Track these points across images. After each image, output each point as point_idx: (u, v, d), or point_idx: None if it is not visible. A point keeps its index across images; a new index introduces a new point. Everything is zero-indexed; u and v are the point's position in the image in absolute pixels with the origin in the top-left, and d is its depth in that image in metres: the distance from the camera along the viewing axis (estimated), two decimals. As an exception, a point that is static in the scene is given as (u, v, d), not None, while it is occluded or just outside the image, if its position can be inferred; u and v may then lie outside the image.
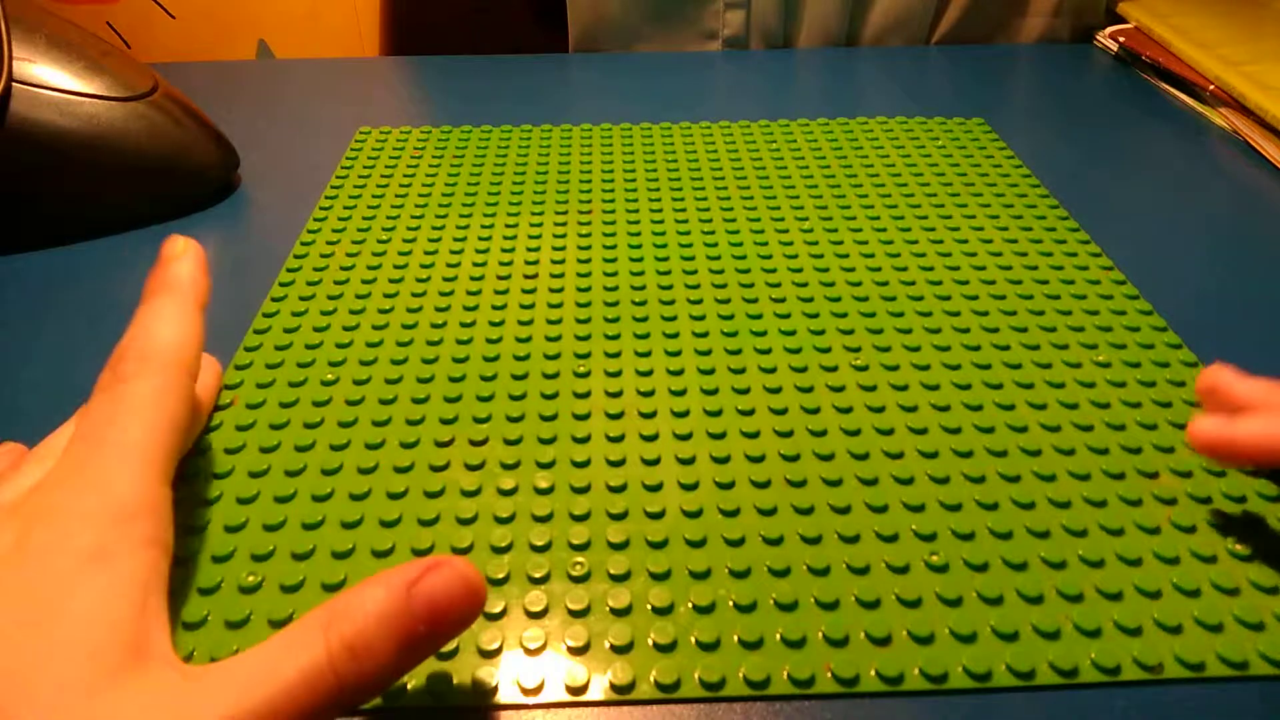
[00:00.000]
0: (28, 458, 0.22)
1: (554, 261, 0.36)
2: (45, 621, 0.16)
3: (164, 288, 0.22)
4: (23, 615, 0.16)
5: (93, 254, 0.37)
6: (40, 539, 0.17)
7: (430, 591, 0.17)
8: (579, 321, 0.32)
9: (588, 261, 0.36)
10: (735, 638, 0.22)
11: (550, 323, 0.32)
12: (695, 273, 0.35)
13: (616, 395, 0.29)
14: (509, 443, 0.27)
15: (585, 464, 0.26)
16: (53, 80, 0.35)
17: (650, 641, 0.22)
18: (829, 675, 0.21)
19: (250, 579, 0.23)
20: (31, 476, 0.20)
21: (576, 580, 0.23)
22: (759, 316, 0.32)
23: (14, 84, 0.34)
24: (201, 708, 0.16)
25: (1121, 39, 0.56)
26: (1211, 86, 0.49)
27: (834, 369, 0.30)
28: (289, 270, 0.35)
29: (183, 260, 0.23)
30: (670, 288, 0.34)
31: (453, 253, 0.36)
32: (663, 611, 0.22)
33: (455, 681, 0.21)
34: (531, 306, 0.33)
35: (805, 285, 0.34)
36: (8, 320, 0.33)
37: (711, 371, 0.30)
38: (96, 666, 0.16)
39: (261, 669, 0.16)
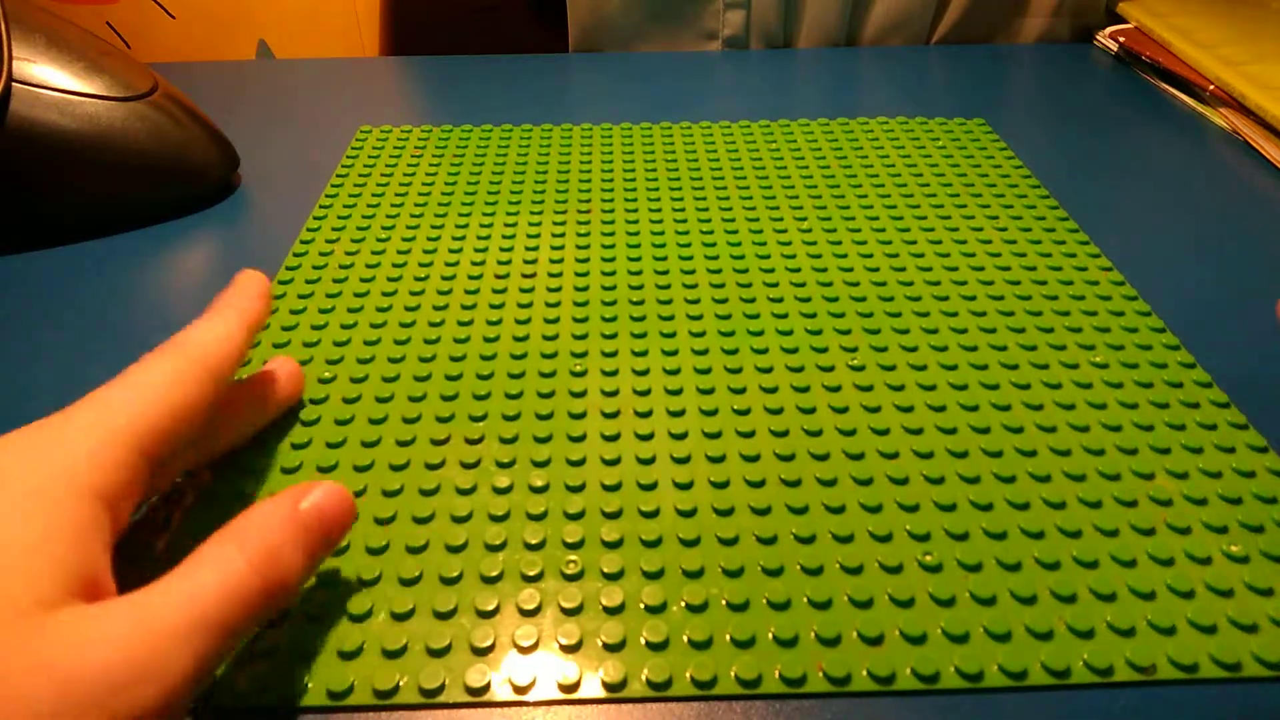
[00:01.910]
0: None
1: (552, 261, 0.36)
2: None
3: (217, 304, 0.24)
4: None
5: (93, 254, 0.37)
6: None
7: (315, 505, 0.20)
8: (576, 321, 0.32)
9: (586, 261, 0.36)
10: (727, 636, 0.22)
11: (548, 321, 0.32)
12: (693, 272, 0.35)
13: (613, 394, 0.29)
14: (505, 441, 0.27)
15: (580, 463, 0.26)
16: (53, 80, 0.35)
17: (643, 640, 0.22)
18: (821, 674, 0.21)
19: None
20: None
21: (570, 578, 0.23)
22: (756, 316, 0.32)
23: (14, 84, 0.34)
24: (152, 628, 0.16)
25: (1121, 39, 0.56)
26: (1211, 86, 0.49)
27: (830, 369, 0.30)
28: (288, 269, 0.35)
29: (245, 285, 0.25)
30: (668, 287, 0.34)
31: (451, 251, 0.36)
32: (655, 610, 0.22)
33: (447, 679, 0.21)
34: (529, 305, 0.33)
35: (803, 285, 0.34)
36: (9, 320, 0.33)
37: (708, 371, 0.30)
38: (37, 593, 0.16)
39: (192, 584, 0.17)
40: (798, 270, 0.35)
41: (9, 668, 0.15)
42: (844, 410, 0.28)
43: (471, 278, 0.35)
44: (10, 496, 0.17)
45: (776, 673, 0.21)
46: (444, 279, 0.35)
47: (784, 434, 0.27)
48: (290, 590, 0.19)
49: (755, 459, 0.26)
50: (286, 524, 0.19)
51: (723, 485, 0.26)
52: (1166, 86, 0.53)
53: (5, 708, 0.15)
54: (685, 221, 0.38)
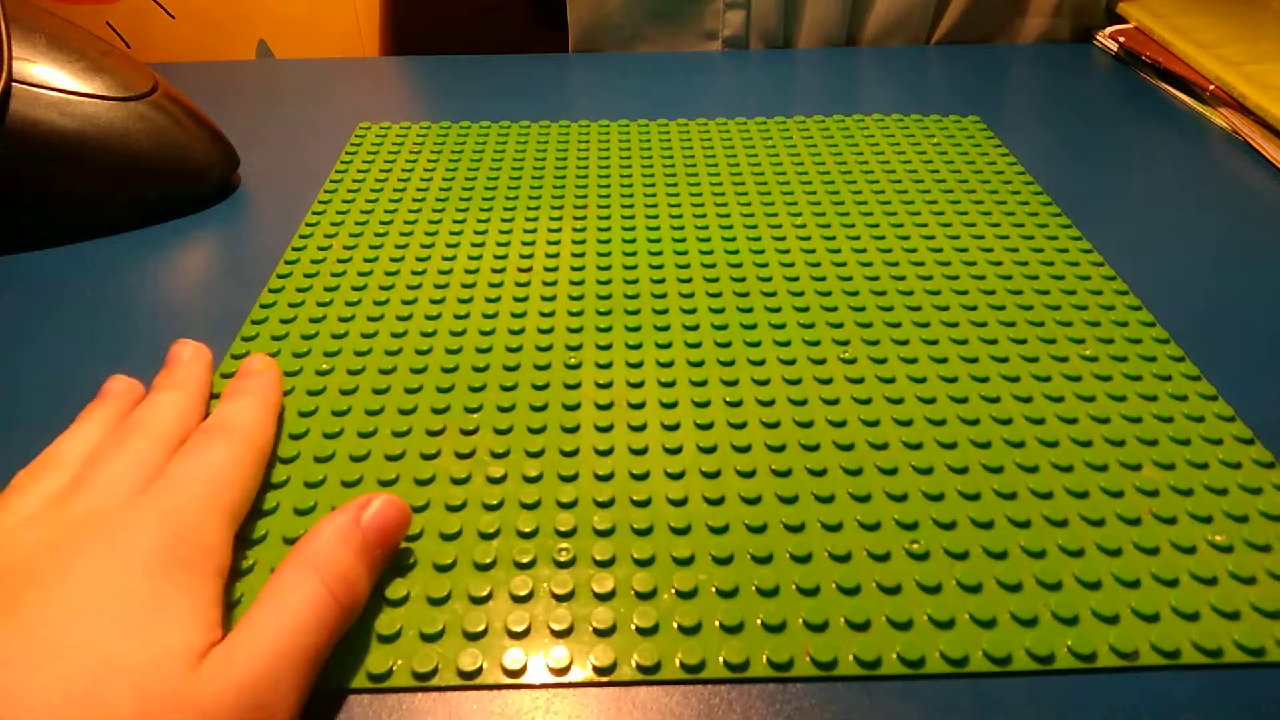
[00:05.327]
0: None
1: (548, 255, 0.36)
2: (151, 624, 0.18)
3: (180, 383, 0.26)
4: (128, 615, 0.18)
5: (93, 254, 0.37)
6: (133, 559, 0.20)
7: (376, 521, 0.22)
8: (571, 314, 0.33)
9: (582, 255, 0.36)
10: (716, 622, 0.22)
11: (543, 315, 0.33)
12: (688, 266, 0.35)
13: (606, 386, 0.29)
14: (499, 432, 0.27)
15: (574, 453, 0.27)
16: (53, 80, 0.36)
17: (633, 625, 0.22)
18: (808, 659, 0.21)
19: (243, 564, 0.23)
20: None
21: (562, 565, 0.23)
22: (749, 310, 0.33)
23: (14, 84, 0.35)
24: (238, 668, 0.18)
25: (1121, 39, 0.57)
26: (1211, 86, 0.49)
27: (822, 361, 0.30)
28: (286, 262, 0.36)
29: (192, 364, 0.28)
30: (662, 281, 0.34)
31: (448, 246, 0.37)
32: (646, 596, 0.22)
33: (440, 663, 0.21)
34: (525, 300, 0.33)
35: (796, 279, 0.34)
36: (7, 320, 0.33)
37: (700, 364, 0.30)
38: (190, 656, 0.18)
39: (275, 615, 0.19)
40: (791, 265, 0.35)
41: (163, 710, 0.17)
42: (835, 402, 0.28)
43: (468, 272, 0.35)
44: (168, 583, 0.19)
45: (764, 657, 0.21)
46: (440, 273, 0.35)
47: (775, 425, 0.28)
48: (361, 606, 0.21)
49: (746, 449, 0.27)
50: (354, 544, 0.21)
51: (713, 475, 0.26)
52: (1166, 86, 0.53)
53: None
54: (681, 216, 0.39)
